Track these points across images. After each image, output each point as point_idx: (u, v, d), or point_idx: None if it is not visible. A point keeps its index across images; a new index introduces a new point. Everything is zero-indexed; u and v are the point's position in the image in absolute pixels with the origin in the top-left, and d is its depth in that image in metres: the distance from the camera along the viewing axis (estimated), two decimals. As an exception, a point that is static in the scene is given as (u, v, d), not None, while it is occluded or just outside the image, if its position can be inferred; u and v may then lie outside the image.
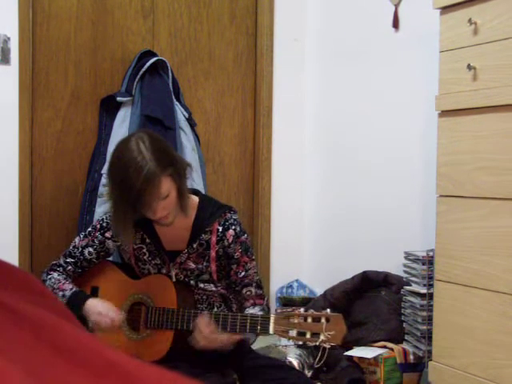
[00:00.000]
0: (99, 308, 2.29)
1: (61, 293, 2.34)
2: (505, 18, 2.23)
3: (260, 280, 2.41)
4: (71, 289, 2.34)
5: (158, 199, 2.17)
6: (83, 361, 0.86)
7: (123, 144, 2.20)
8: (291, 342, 3.10)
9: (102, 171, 3.07)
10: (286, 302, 3.48)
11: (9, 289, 1.06)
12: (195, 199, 2.38)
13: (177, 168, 2.22)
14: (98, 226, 2.42)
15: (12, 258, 2.99)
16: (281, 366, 2.29)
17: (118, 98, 3.08)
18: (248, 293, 2.37)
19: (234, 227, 2.34)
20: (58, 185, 3.19)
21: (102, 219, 2.43)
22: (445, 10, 2.46)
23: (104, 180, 3.05)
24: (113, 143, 3.08)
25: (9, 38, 3.02)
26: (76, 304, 2.30)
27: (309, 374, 2.86)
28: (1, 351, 0.84)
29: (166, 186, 2.17)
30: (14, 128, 3.05)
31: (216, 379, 2.19)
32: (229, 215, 2.35)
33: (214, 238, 2.33)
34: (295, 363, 2.86)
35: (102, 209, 3.01)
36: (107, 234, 2.40)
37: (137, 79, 3.08)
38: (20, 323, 0.94)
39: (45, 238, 3.17)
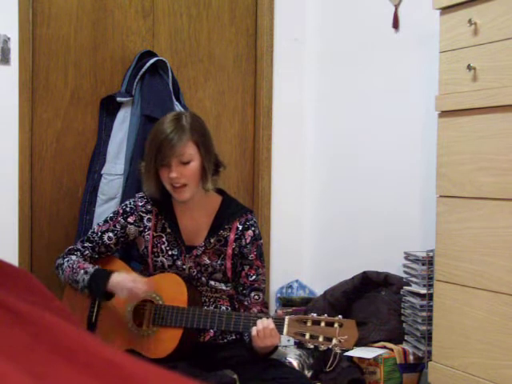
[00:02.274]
0: (129, 277, 2.29)
1: (82, 271, 2.34)
2: (505, 19, 2.23)
3: (265, 289, 2.44)
4: (93, 266, 2.36)
5: (178, 158, 2.27)
6: (83, 361, 0.86)
7: (170, 113, 2.43)
8: (291, 343, 3.11)
9: (102, 171, 3.07)
10: (286, 302, 3.48)
11: (9, 289, 1.06)
12: (219, 197, 2.45)
13: (207, 145, 2.35)
14: (121, 211, 2.45)
15: (12, 258, 2.99)
16: (281, 366, 2.30)
17: (118, 99, 3.08)
18: (256, 297, 2.39)
19: (253, 229, 2.40)
20: (57, 185, 3.19)
21: (126, 204, 2.47)
22: (445, 10, 2.46)
23: (104, 180, 3.05)
24: (113, 143, 3.08)
25: (9, 38, 3.02)
26: (101, 279, 2.31)
27: (308, 374, 2.86)
28: (1, 351, 0.84)
29: (190, 150, 2.30)
30: (14, 128, 3.05)
31: (216, 379, 2.19)
32: (249, 216, 2.42)
33: (232, 236, 2.37)
34: (295, 364, 2.87)
35: (101, 209, 3.01)
36: (130, 219, 2.43)
37: (137, 79, 3.08)
38: (20, 323, 0.94)
39: (45, 238, 3.16)
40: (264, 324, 2.15)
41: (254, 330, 2.16)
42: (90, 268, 2.34)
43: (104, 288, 2.30)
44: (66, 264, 2.39)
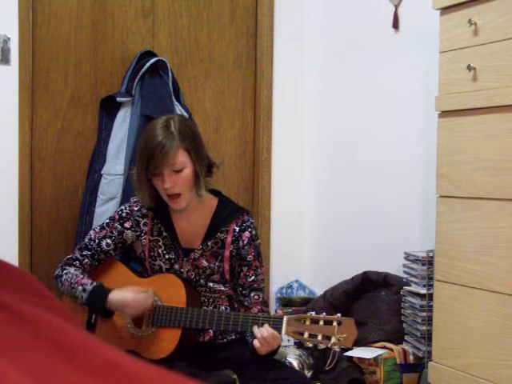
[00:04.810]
0: (130, 296, 2.27)
1: (80, 287, 2.32)
2: (505, 19, 2.23)
3: (264, 288, 2.43)
4: (91, 283, 2.34)
5: (170, 167, 2.25)
6: (83, 361, 0.86)
7: (157, 118, 2.36)
8: (291, 343, 3.11)
9: (102, 171, 3.07)
10: (286, 302, 3.48)
11: (9, 289, 1.06)
12: (215, 199, 2.43)
13: (198, 149, 2.31)
14: (117, 217, 2.43)
15: (12, 258, 2.99)
16: (281, 366, 2.29)
17: (118, 99, 3.08)
18: (256, 297, 2.38)
19: (250, 230, 2.39)
20: (57, 185, 3.19)
21: (121, 209, 2.45)
22: (445, 10, 2.46)
23: (104, 180, 3.05)
24: (113, 143, 3.08)
25: (9, 38, 3.02)
26: (99, 297, 2.30)
27: (308, 374, 2.86)
28: (1, 351, 0.84)
29: (182, 157, 2.26)
30: (14, 128, 3.05)
31: (216, 379, 2.19)
32: (246, 217, 2.40)
33: (229, 238, 2.36)
34: (295, 364, 2.87)
35: (101, 209, 3.01)
36: (126, 224, 2.41)
37: (137, 79, 3.08)
38: (20, 323, 0.94)
39: (45, 238, 3.16)
40: (263, 334, 2.15)
41: (256, 343, 2.16)
42: (88, 285, 2.32)
43: (102, 308, 2.30)
44: (64, 277, 2.37)
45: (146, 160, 2.26)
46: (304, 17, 3.73)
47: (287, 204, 3.73)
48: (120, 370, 0.84)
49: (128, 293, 2.28)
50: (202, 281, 2.38)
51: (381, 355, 2.73)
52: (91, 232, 2.46)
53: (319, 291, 3.39)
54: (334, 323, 2.11)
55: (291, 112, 3.72)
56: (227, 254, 2.37)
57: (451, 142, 2.45)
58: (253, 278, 2.38)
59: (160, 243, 2.39)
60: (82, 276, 2.36)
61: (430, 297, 2.62)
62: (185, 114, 3.18)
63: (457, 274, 2.42)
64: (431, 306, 2.59)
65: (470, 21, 2.33)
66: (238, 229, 2.37)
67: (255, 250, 2.39)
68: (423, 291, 2.70)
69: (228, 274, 2.38)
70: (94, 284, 2.33)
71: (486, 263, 2.30)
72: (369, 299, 3.05)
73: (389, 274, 3.05)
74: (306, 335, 2.13)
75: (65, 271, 2.39)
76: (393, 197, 3.25)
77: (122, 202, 2.94)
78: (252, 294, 2.38)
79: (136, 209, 2.43)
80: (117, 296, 2.28)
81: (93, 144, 3.19)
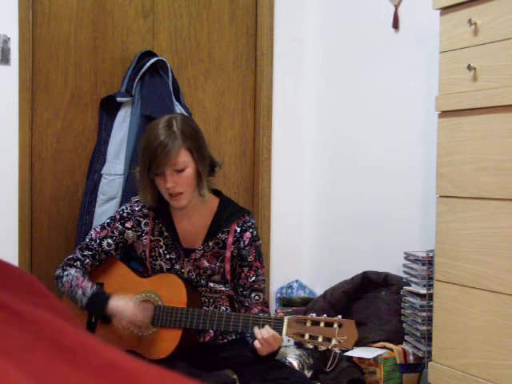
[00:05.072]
0: (128, 314, 2.26)
1: (80, 290, 2.32)
2: (505, 19, 2.23)
3: (265, 289, 2.44)
4: (91, 287, 2.33)
5: (172, 166, 2.24)
6: (83, 361, 0.86)
7: (160, 117, 2.35)
8: (291, 343, 3.11)
9: (102, 171, 3.07)
10: (286, 302, 3.48)
11: (9, 289, 1.06)
12: (216, 199, 2.43)
13: (200, 149, 2.31)
14: (118, 217, 2.43)
15: (12, 258, 2.99)
16: (281, 366, 2.29)
17: (118, 99, 3.08)
18: (257, 298, 2.38)
19: (251, 230, 2.39)
20: (57, 185, 3.19)
21: (122, 209, 2.45)
22: (445, 10, 2.46)
23: (104, 180, 3.05)
24: (113, 143, 3.08)
25: (9, 38, 3.02)
26: (99, 303, 2.30)
27: (308, 374, 2.86)
28: (1, 351, 0.84)
29: (184, 157, 2.26)
30: (14, 128, 3.05)
31: (216, 379, 2.19)
32: (247, 218, 2.41)
33: (230, 239, 2.36)
34: (295, 364, 2.87)
35: (101, 209, 3.01)
36: (127, 224, 2.41)
37: (137, 79, 3.08)
38: (20, 323, 0.94)
39: (45, 238, 3.16)
40: (264, 336, 2.15)
41: (257, 344, 2.16)
42: (88, 289, 2.32)
43: (102, 314, 2.30)
44: (65, 278, 2.37)
45: (148, 160, 2.25)
46: (304, 17, 3.73)
47: (287, 204, 3.73)
48: (120, 370, 0.84)
49: (128, 306, 2.27)
50: (202, 281, 2.38)
51: (381, 355, 2.73)
52: (92, 232, 2.46)
53: (319, 291, 3.39)
54: (335, 325, 2.11)
55: (291, 112, 3.72)
56: (228, 254, 2.37)
57: (451, 142, 2.45)
58: (253, 278, 2.38)
59: (161, 243, 2.39)
60: (82, 278, 2.35)
61: (430, 297, 2.62)
62: (185, 113, 3.18)
63: (457, 274, 2.42)
64: (431, 306, 2.59)
65: (470, 21, 2.33)
66: (239, 229, 2.37)
67: (256, 250, 2.39)
68: (423, 291, 2.70)
69: (229, 274, 2.38)
70: (94, 288, 2.33)
71: (486, 263, 2.30)
72: (369, 299, 3.05)
73: (389, 274, 3.05)
74: (306, 337, 2.13)
75: (65, 272, 2.39)
76: (393, 197, 3.25)
77: (121, 202, 2.94)
78: (253, 295, 2.38)
79: (137, 209, 2.43)
80: (117, 305, 2.28)
81: (93, 144, 3.19)
